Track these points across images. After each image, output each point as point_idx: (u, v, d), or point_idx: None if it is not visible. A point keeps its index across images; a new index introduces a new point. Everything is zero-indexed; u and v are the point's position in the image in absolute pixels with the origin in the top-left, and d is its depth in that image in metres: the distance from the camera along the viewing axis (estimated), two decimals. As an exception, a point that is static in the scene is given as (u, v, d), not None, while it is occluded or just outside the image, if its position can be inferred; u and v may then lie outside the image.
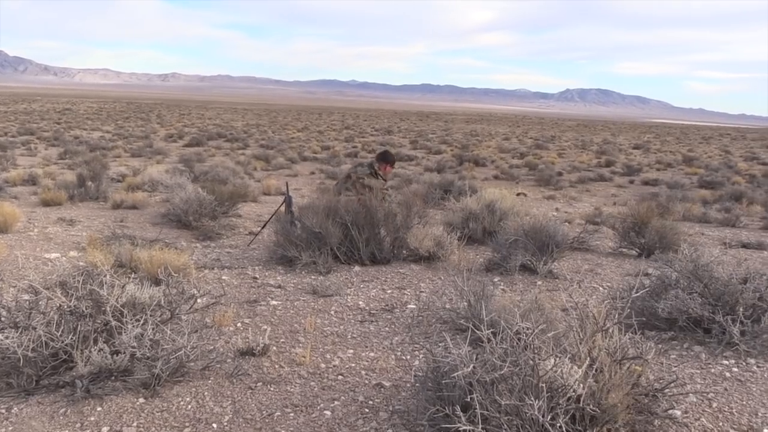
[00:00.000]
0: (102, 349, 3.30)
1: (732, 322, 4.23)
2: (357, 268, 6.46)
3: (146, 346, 3.38)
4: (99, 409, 3.25)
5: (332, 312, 5.06)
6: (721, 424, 3.27)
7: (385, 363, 4.02)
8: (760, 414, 3.40)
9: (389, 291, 5.72)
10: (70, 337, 3.33)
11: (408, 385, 3.64)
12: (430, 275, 6.31)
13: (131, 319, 3.42)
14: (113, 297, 3.47)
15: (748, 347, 4.19)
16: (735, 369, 3.98)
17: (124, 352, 3.32)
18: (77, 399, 3.29)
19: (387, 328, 4.71)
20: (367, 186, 7.51)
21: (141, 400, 3.35)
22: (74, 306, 3.42)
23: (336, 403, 3.45)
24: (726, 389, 3.70)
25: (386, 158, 7.88)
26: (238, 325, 4.65)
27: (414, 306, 5.26)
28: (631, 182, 19.30)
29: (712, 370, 3.96)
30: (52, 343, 3.30)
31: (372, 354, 4.18)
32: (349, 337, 4.51)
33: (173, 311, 3.72)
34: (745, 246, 8.58)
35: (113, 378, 3.42)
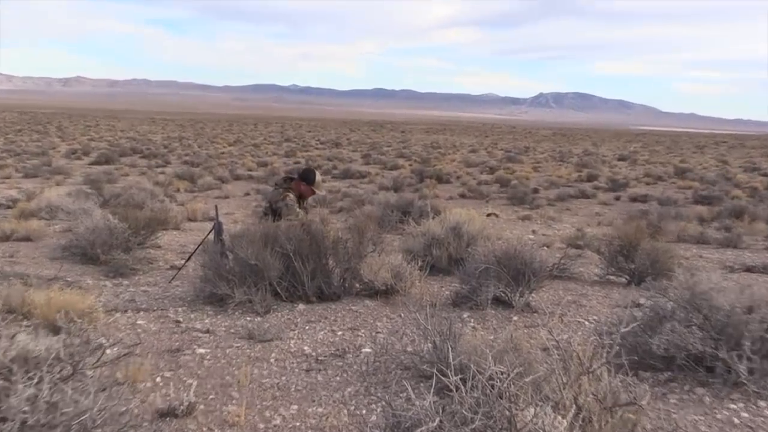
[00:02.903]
0: (-15, 416, 3.15)
1: (738, 358, 4.31)
2: (301, 306, 6.39)
3: (41, 411, 3.25)
4: (-18, 489, 3.11)
5: (272, 360, 4.99)
6: (728, 478, 3.31)
7: (336, 420, 3.96)
8: (772, 465, 3.46)
9: (340, 333, 5.68)
10: (-56, 401, 3.18)
11: (364, 445, 3.59)
12: (388, 312, 6.30)
13: (22, 378, 3.29)
14: (0, 351, 3.33)
15: (757, 387, 4.26)
16: (744, 414, 4.05)
17: (13, 419, 3.19)
18: (-46, 479, 3.13)
19: (338, 378, 4.66)
20: (291, 208, 7.63)
21: (35, 476, 3.22)
22: (-50, 363, 3.27)
23: (277, 470, 3.37)
24: (733, 437, 3.76)
25: (305, 176, 7.96)
26: (158, 379, 4.53)
27: (369, 350, 5.23)
28: (617, 199, 19.75)
29: (718, 416, 4.02)
30: None
31: (320, 409, 4.12)
32: (293, 389, 4.44)
33: (76, 366, 3.59)
34: (749, 269, 8.83)
35: (0, 451, 3.27)
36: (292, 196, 7.79)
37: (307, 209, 8.02)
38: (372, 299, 6.67)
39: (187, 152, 34.86)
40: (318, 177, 8.06)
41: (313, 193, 8.09)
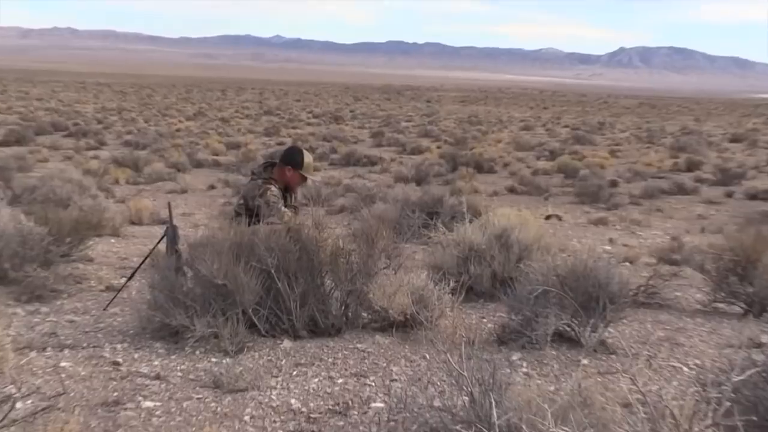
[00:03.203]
0: None
1: None
2: (287, 343, 6.40)
3: (-70, 484, 3.29)
4: None
5: (246, 418, 5.00)
6: None
7: (334, 501, 3.99)
8: None
9: (341, 380, 5.69)
10: None
11: None
12: (407, 353, 6.31)
13: None
14: None
15: None
16: None
17: None
18: None
19: (338, 443, 4.68)
20: (274, 206, 7.61)
21: None
22: None
23: None
24: None
25: (290, 159, 7.93)
26: (88, 443, 4.57)
27: (382, 404, 5.23)
28: (729, 196, 19.65)
29: None
30: None
31: (313, 486, 4.15)
32: (275, 458, 4.47)
33: (-24, 423, 3.63)
34: None
35: None
36: (274, 189, 7.76)
37: (296, 208, 7.99)
38: (385, 334, 6.67)
39: (130, 129, 34.98)
40: (307, 158, 8.01)
41: (303, 180, 8.02)
